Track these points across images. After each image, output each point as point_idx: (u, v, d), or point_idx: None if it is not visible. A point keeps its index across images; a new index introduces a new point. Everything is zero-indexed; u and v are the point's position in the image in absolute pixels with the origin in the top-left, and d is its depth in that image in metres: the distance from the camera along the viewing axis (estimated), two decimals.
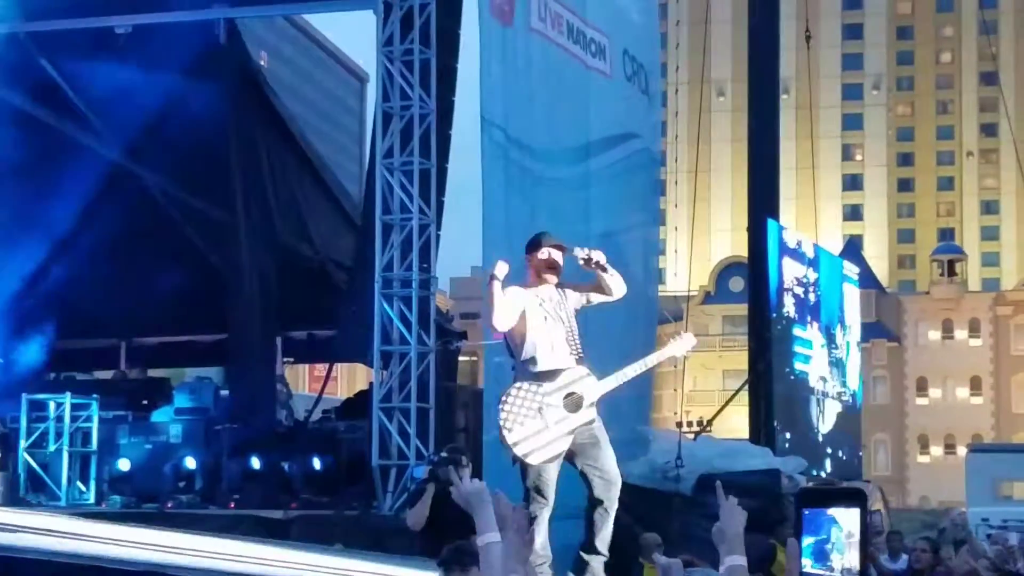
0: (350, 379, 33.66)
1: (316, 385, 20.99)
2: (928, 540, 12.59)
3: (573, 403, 7.12)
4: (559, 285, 7.34)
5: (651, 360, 7.70)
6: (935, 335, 74.36)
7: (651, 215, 19.36)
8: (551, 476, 7.12)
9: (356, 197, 18.23)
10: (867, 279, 64.59)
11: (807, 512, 2.06)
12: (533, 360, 7.16)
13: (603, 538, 7.32)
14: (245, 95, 16.58)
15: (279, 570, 8.52)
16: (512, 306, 7.17)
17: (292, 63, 20.93)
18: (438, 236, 14.43)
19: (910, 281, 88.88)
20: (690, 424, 30.84)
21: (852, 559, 2.04)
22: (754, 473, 15.22)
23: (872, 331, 65.04)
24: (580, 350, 7.29)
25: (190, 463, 15.23)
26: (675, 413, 22.94)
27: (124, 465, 15.40)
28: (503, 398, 7.10)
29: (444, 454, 10.06)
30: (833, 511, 2.04)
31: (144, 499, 14.87)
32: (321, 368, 22.70)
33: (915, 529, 20.30)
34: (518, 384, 7.12)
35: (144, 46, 15.80)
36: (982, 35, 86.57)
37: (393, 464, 13.70)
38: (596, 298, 7.46)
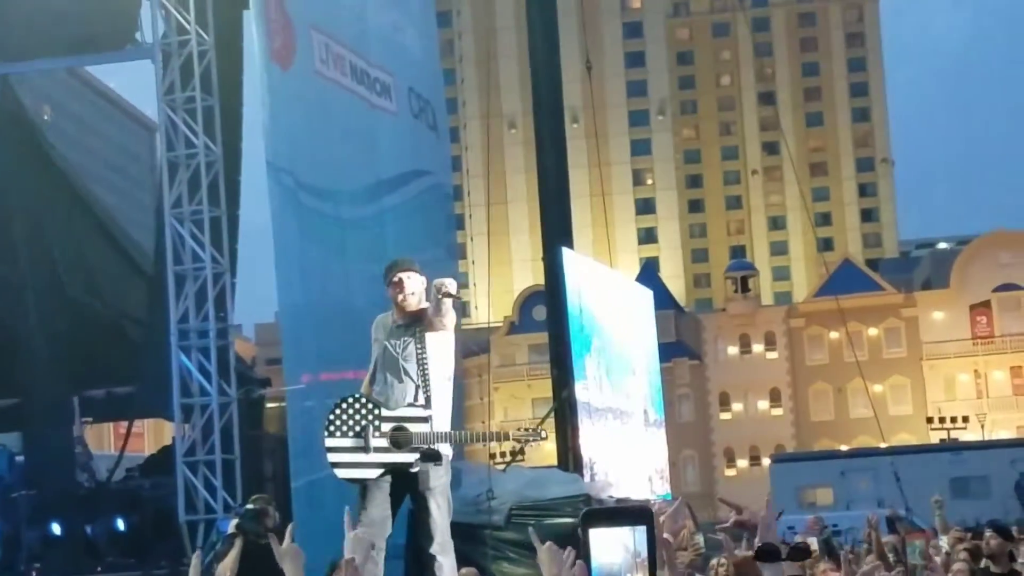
0: (156, 434, 32.89)
1: (121, 444, 20.43)
2: None
3: (399, 439, 6.96)
4: (422, 314, 6.94)
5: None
6: (734, 350, 76.43)
7: (448, 250, 19.47)
8: (373, 497, 7.03)
9: (148, 249, 17.89)
10: (665, 300, 66.10)
11: (592, 533, 2.01)
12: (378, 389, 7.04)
13: None
14: (23, 150, 16.14)
15: None
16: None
17: (78, 116, 20.47)
18: (234, 284, 14.28)
19: (707, 299, 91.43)
20: (503, 455, 31.00)
21: None
22: (565, 500, 15.41)
23: (673, 350, 66.62)
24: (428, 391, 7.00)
25: None
26: (483, 445, 23.00)
27: None
28: (338, 402, 7.00)
29: (250, 506, 9.94)
30: (619, 531, 1.99)
31: None
32: (124, 426, 22.11)
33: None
34: (358, 396, 7.01)
35: None
36: (757, 57, 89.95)
37: (201, 519, 13.46)
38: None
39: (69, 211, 16.57)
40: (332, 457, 6.98)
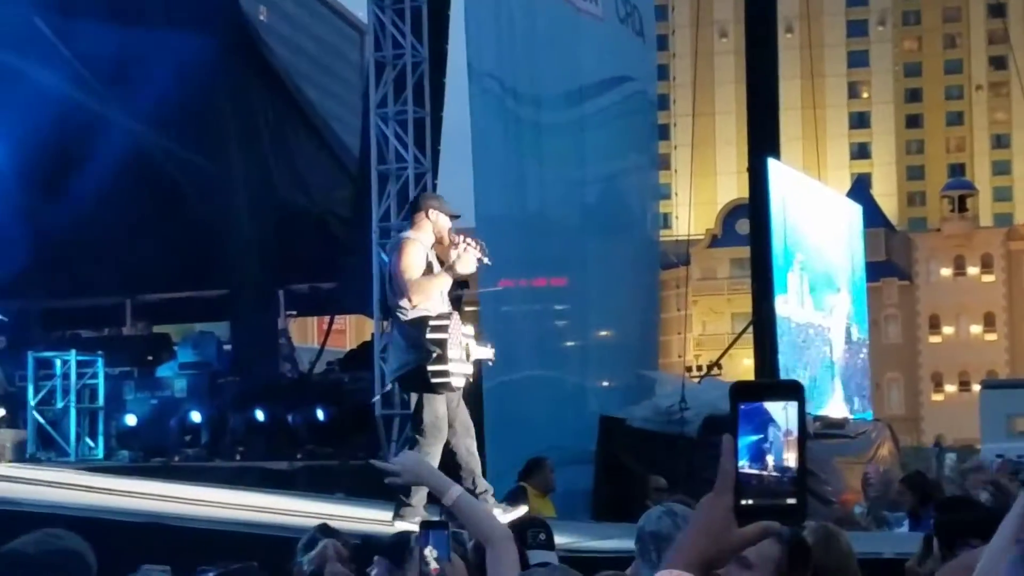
0: (358, 330, 33.73)
1: (323, 338, 21.04)
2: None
3: (468, 351, 7.97)
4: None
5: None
6: (947, 272, 74.16)
7: (649, 158, 19.29)
8: (443, 410, 7.90)
9: (355, 150, 18.22)
10: (876, 218, 64.30)
11: (742, 407, 1.94)
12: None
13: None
14: (240, 49, 16.53)
15: (285, 518, 8.62)
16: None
17: (291, 17, 20.73)
18: (435, 185, 14.41)
19: (920, 219, 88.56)
20: (699, 368, 30.84)
21: (790, 458, 1.93)
22: None
23: (882, 270, 64.92)
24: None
25: (195, 417, 15.33)
26: (679, 357, 22.97)
27: (131, 420, 15.51)
28: (446, 323, 7.77)
29: None
30: (769, 406, 1.92)
31: (151, 453, 14.98)
32: (327, 320, 22.77)
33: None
34: (455, 314, 7.93)
35: (139, 1, 15.76)
36: None
37: (396, 414, 13.76)
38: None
39: (280, 110, 16.95)
40: (449, 377, 7.73)
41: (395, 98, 14.02)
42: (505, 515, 7.83)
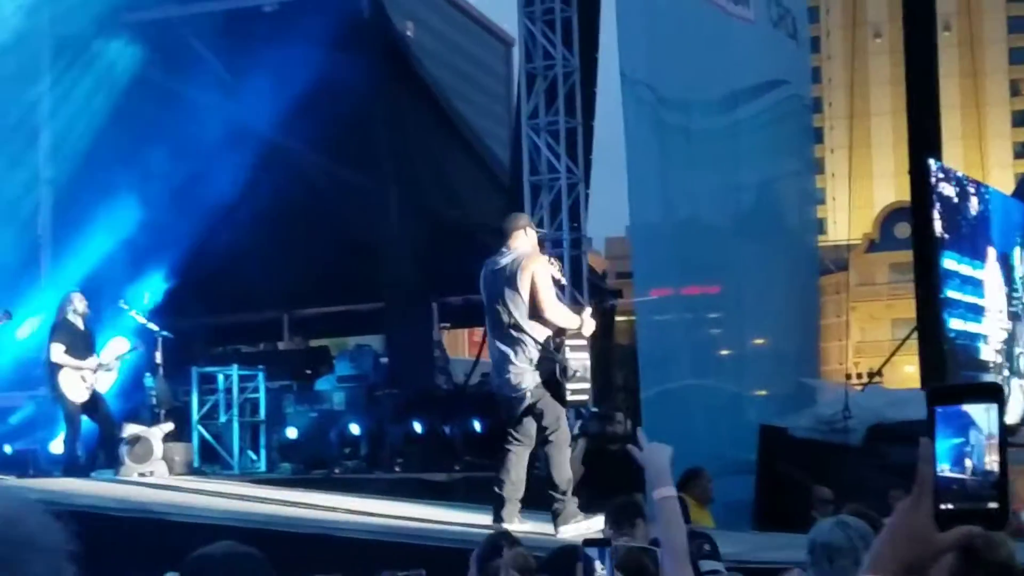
0: None
1: (476, 350, 21.17)
2: None
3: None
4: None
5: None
6: None
7: (805, 163, 18.96)
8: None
9: (504, 161, 18.29)
10: None
11: (939, 411, 1.87)
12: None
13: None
14: (390, 65, 16.72)
15: (445, 528, 8.66)
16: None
17: (438, 32, 20.99)
18: (587, 195, 14.37)
19: None
20: (859, 376, 30.24)
21: (992, 462, 1.86)
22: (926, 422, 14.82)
23: None
24: None
25: (354, 429, 15.48)
26: (841, 364, 22.50)
27: (292, 433, 15.72)
28: (585, 344, 8.83)
29: (594, 409, 10.33)
30: (969, 408, 1.85)
31: (312, 465, 15.16)
32: (480, 332, 22.91)
33: None
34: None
35: (290, 22, 16.05)
36: None
37: None
38: None
39: (430, 123, 17.09)
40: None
41: (547, 108, 14.03)
42: (582, 524, 8.08)
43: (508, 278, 8.92)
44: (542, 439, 8.96)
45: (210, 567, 3.08)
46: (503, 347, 9.05)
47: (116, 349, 14.12)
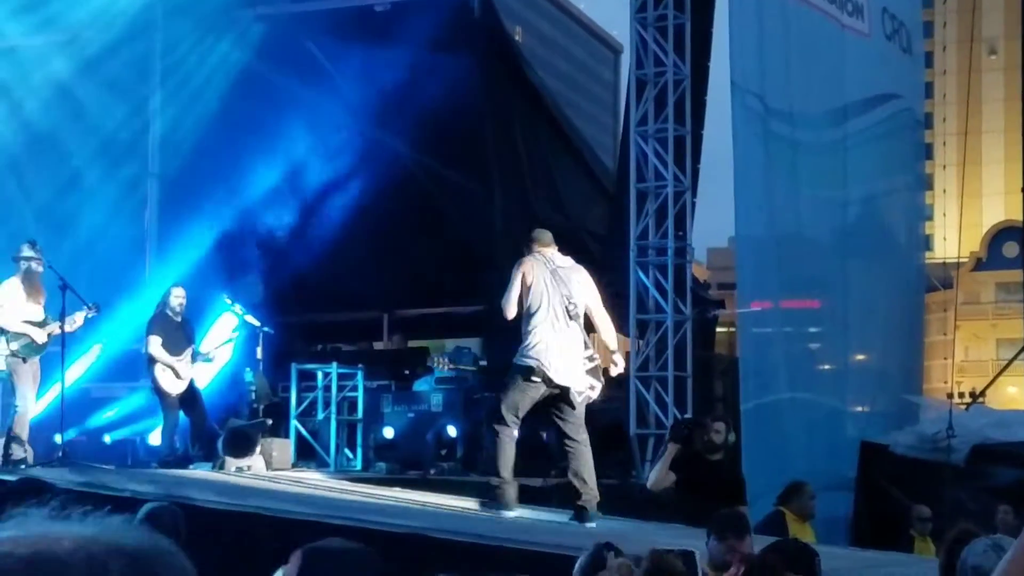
0: None
1: None
2: None
3: None
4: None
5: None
6: None
7: (915, 178, 18.62)
8: None
9: (609, 168, 18.20)
10: None
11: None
12: None
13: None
14: (499, 68, 16.74)
15: (549, 536, 8.62)
16: None
17: (546, 37, 20.98)
18: (693, 204, 14.26)
19: None
20: (961, 395, 29.68)
21: None
22: None
23: None
24: None
25: (451, 431, 15.47)
26: (945, 383, 22.09)
27: (388, 433, 15.74)
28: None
29: (687, 417, 10.31)
30: None
31: (407, 466, 15.18)
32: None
33: None
34: None
35: (401, 22, 16.14)
36: None
37: (651, 433, 13.65)
38: None
39: (537, 127, 17.06)
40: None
41: (656, 116, 13.94)
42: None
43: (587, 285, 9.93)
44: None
45: (327, 560, 3.18)
46: (589, 347, 10.04)
47: (216, 338, 14.27)
